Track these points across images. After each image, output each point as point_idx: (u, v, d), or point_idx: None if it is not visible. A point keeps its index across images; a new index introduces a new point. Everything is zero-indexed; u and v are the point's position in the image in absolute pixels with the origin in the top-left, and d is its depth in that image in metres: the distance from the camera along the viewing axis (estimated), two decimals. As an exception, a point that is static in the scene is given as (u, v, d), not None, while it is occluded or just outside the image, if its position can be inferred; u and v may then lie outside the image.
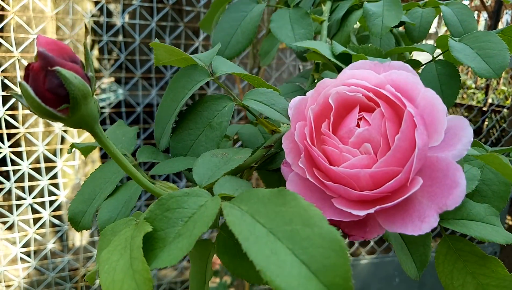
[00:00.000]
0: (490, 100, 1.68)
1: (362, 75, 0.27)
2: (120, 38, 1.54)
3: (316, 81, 0.46)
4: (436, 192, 0.26)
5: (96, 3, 1.48)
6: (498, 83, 1.80)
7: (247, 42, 0.47)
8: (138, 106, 1.63)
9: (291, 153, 0.28)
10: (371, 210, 0.24)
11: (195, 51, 1.73)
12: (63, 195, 1.37)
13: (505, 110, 1.51)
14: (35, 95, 0.20)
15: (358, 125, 0.26)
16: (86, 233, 1.62)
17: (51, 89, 0.20)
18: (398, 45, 0.56)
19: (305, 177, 0.28)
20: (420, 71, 0.47)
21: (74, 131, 1.51)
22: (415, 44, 0.54)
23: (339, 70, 0.44)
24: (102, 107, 1.63)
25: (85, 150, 0.34)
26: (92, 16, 1.49)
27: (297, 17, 0.48)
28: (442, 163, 0.26)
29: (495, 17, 1.51)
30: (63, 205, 1.52)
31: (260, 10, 0.48)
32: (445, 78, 0.45)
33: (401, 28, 0.62)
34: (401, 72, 0.26)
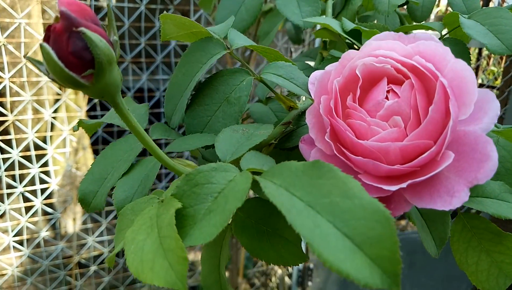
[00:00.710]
0: (479, 81, 1.70)
1: (389, 46, 0.26)
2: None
3: (324, 59, 0.45)
4: (464, 166, 0.25)
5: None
6: (488, 64, 1.81)
7: (251, 20, 0.46)
8: (128, 91, 1.59)
9: (314, 128, 0.27)
10: (404, 185, 0.24)
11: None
12: (54, 183, 1.35)
13: (495, 90, 1.53)
14: (58, 59, 0.18)
15: (386, 98, 0.26)
16: (79, 220, 1.59)
17: (75, 52, 0.19)
18: (402, 24, 0.56)
19: (329, 153, 0.27)
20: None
21: (64, 117, 1.47)
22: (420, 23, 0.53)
23: (350, 46, 0.43)
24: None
25: (91, 127, 0.33)
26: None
27: (304, -6, 0.46)
28: (470, 137, 0.25)
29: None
30: (54, 192, 1.49)
31: (265, -13, 0.46)
32: (455, 56, 0.44)
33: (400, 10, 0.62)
34: (429, 42, 0.26)
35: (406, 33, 0.54)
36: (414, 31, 0.30)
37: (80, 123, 0.31)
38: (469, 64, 0.45)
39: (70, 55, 0.19)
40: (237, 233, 0.30)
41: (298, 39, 0.84)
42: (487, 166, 0.24)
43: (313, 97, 0.28)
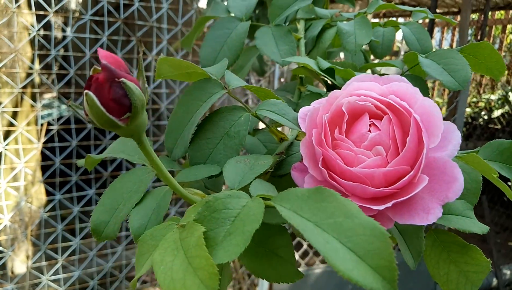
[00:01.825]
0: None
1: (368, 86, 0.31)
2: (70, 52, 1.50)
3: (301, 94, 0.49)
4: (435, 187, 0.30)
5: (43, 16, 1.43)
6: (432, 95, 1.96)
7: (234, 57, 0.50)
8: (88, 122, 1.58)
9: (307, 158, 0.31)
10: (389, 204, 0.28)
11: (148, 66, 1.72)
12: (7, 219, 1.29)
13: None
14: (101, 105, 0.21)
15: (369, 131, 0.30)
16: (31, 258, 1.52)
17: (116, 99, 0.21)
18: (366, 60, 0.62)
19: (320, 179, 0.31)
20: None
21: (20, 149, 1.43)
22: (383, 60, 0.59)
23: (324, 82, 0.48)
24: (49, 124, 1.56)
25: (94, 162, 0.35)
26: (39, 29, 1.43)
27: (280, 34, 0.51)
28: (439, 162, 0.30)
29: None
30: (6, 229, 1.43)
31: (245, 28, 0.51)
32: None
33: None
34: (401, 83, 0.30)
35: (372, 71, 0.60)
36: (385, 72, 0.34)
37: (88, 158, 0.32)
38: (428, 96, 0.51)
39: (110, 101, 0.21)
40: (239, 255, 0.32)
41: (262, 72, 0.90)
42: (455, 186, 0.29)
43: (304, 130, 0.32)
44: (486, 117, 2.56)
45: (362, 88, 0.31)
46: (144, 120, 0.24)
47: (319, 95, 0.43)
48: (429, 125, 0.30)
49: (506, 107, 2.50)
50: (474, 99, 2.66)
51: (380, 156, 0.29)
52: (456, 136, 0.31)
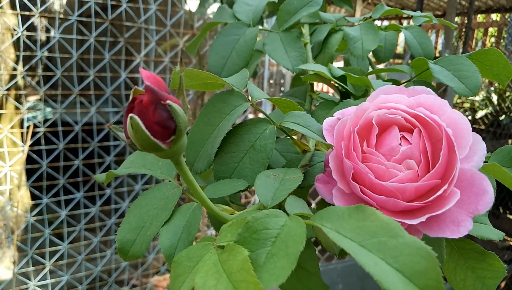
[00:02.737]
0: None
1: (396, 98, 0.31)
2: (56, 53, 1.46)
3: (312, 100, 0.49)
4: (464, 199, 0.30)
5: (28, 17, 1.39)
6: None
7: (243, 64, 0.49)
8: (76, 124, 1.55)
9: (335, 171, 0.31)
10: (423, 219, 0.27)
11: (136, 67, 1.69)
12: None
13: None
14: (146, 128, 0.20)
15: (399, 144, 0.30)
16: (17, 264, 1.48)
17: (161, 122, 0.21)
18: (371, 65, 0.62)
19: (348, 192, 0.31)
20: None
21: (5, 152, 1.40)
22: (392, 66, 0.59)
23: (338, 89, 0.48)
24: (36, 126, 1.52)
25: (112, 176, 0.34)
26: (25, 30, 1.40)
27: (289, 40, 0.51)
28: (467, 173, 0.30)
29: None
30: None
31: (254, 34, 0.50)
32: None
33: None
34: (430, 95, 0.30)
35: (377, 76, 0.60)
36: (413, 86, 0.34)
37: (110, 173, 0.31)
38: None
39: (155, 125, 0.21)
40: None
41: (254, 73, 0.90)
42: (485, 199, 0.29)
43: (330, 142, 0.32)
44: (470, 118, 2.62)
45: (390, 100, 0.31)
46: (184, 141, 0.23)
47: (333, 103, 0.43)
48: (458, 137, 0.30)
49: (490, 108, 2.56)
50: (459, 100, 2.72)
51: (411, 170, 0.29)
52: (481, 147, 0.31)
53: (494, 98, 2.57)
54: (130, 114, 0.20)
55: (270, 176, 0.29)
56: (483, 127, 2.54)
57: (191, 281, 0.23)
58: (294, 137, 0.39)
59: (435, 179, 0.28)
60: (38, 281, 1.51)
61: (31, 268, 1.51)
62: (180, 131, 0.22)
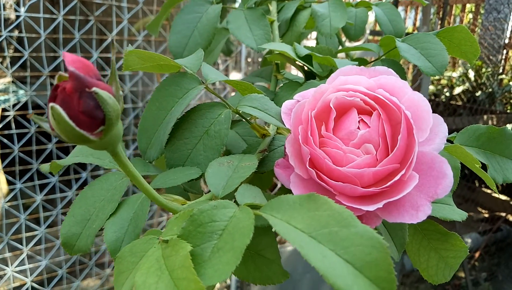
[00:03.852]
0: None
1: (355, 80, 0.29)
2: (23, 33, 1.40)
3: (278, 81, 0.47)
4: (424, 183, 0.29)
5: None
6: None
7: (206, 43, 0.47)
8: (47, 107, 1.50)
9: (293, 156, 0.29)
10: (380, 205, 0.27)
11: (108, 47, 1.64)
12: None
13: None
14: (69, 119, 0.18)
15: (358, 127, 0.28)
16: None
17: (87, 112, 0.19)
18: (340, 43, 0.60)
19: (306, 177, 0.30)
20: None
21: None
22: (360, 43, 0.58)
23: (302, 69, 0.46)
24: (5, 110, 1.47)
25: (58, 167, 0.32)
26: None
27: (254, 18, 0.49)
28: (427, 157, 0.29)
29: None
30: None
31: (217, 11, 0.48)
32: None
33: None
34: (390, 76, 0.29)
35: (347, 55, 0.59)
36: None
37: (53, 163, 0.29)
38: (405, 80, 0.50)
39: (80, 114, 0.19)
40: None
41: (229, 52, 0.87)
42: (444, 183, 0.28)
43: (289, 127, 0.30)
44: (448, 94, 2.64)
45: (349, 82, 0.29)
46: (119, 131, 0.21)
47: (297, 84, 0.42)
48: (418, 120, 0.29)
49: (467, 84, 2.58)
50: (437, 77, 2.72)
51: (370, 155, 0.28)
52: (443, 128, 0.30)
53: (471, 74, 2.59)
54: (51, 104, 0.18)
55: (223, 164, 0.28)
56: (460, 103, 2.56)
57: (133, 279, 0.22)
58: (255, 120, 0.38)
59: (393, 163, 0.27)
60: (16, 266, 1.49)
61: (8, 254, 1.48)
62: (110, 121, 0.20)
